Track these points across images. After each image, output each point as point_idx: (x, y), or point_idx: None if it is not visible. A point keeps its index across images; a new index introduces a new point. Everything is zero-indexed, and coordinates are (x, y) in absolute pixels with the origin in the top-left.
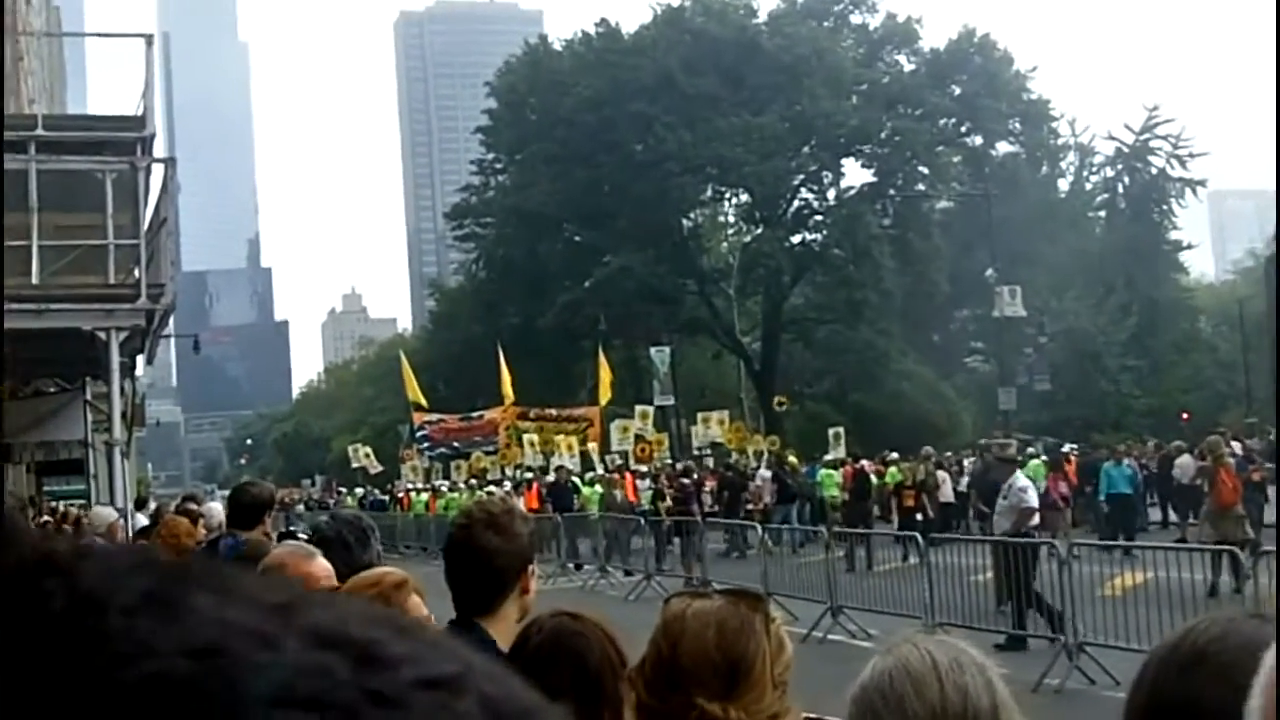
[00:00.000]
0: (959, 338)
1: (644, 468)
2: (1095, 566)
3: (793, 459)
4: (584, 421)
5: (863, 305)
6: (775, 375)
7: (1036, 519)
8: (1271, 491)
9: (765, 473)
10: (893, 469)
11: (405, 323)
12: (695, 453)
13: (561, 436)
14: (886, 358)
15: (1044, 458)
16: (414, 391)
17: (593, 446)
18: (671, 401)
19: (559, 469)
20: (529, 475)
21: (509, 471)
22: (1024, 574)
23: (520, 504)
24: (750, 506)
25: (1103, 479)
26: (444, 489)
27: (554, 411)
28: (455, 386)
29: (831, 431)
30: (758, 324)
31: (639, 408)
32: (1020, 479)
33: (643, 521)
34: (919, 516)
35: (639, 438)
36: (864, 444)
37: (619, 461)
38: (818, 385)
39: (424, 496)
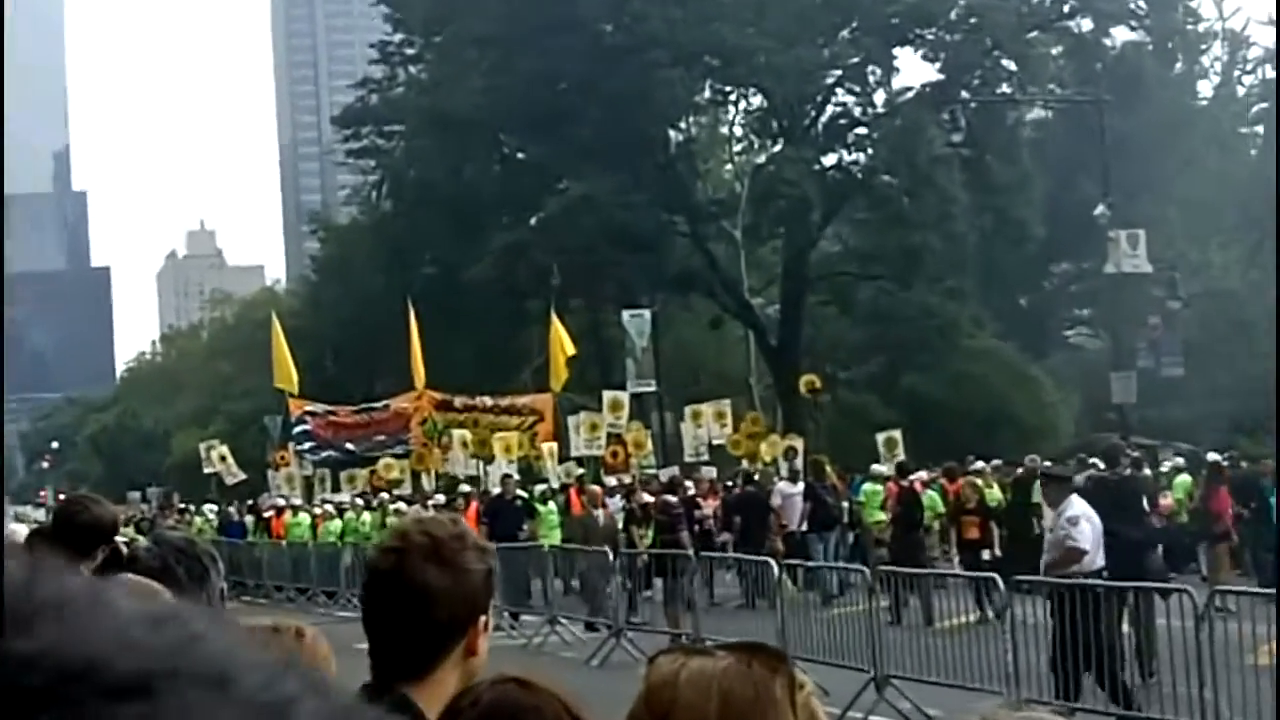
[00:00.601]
0: (1057, 302)
1: (615, 480)
2: (1246, 624)
3: (830, 468)
4: (530, 415)
5: (922, 254)
6: (798, 353)
7: (1099, 562)
8: None
9: (789, 487)
10: (978, 483)
11: (276, 271)
12: (690, 458)
13: (499, 436)
14: (954, 329)
15: (1186, 472)
16: (288, 371)
17: (546, 450)
18: (653, 387)
19: (505, 479)
20: (466, 489)
21: (428, 483)
22: (1104, 631)
23: None
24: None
25: (1275, 504)
26: (332, 508)
27: (488, 400)
28: (349, 363)
29: (882, 437)
30: (774, 280)
31: (608, 395)
32: (1074, 507)
33: (610, 556)
34: (985, 553)
35: (613, 436)
36: (921, 448)
37: (580, 470)
38: (858, 367)
39: (304, 518)
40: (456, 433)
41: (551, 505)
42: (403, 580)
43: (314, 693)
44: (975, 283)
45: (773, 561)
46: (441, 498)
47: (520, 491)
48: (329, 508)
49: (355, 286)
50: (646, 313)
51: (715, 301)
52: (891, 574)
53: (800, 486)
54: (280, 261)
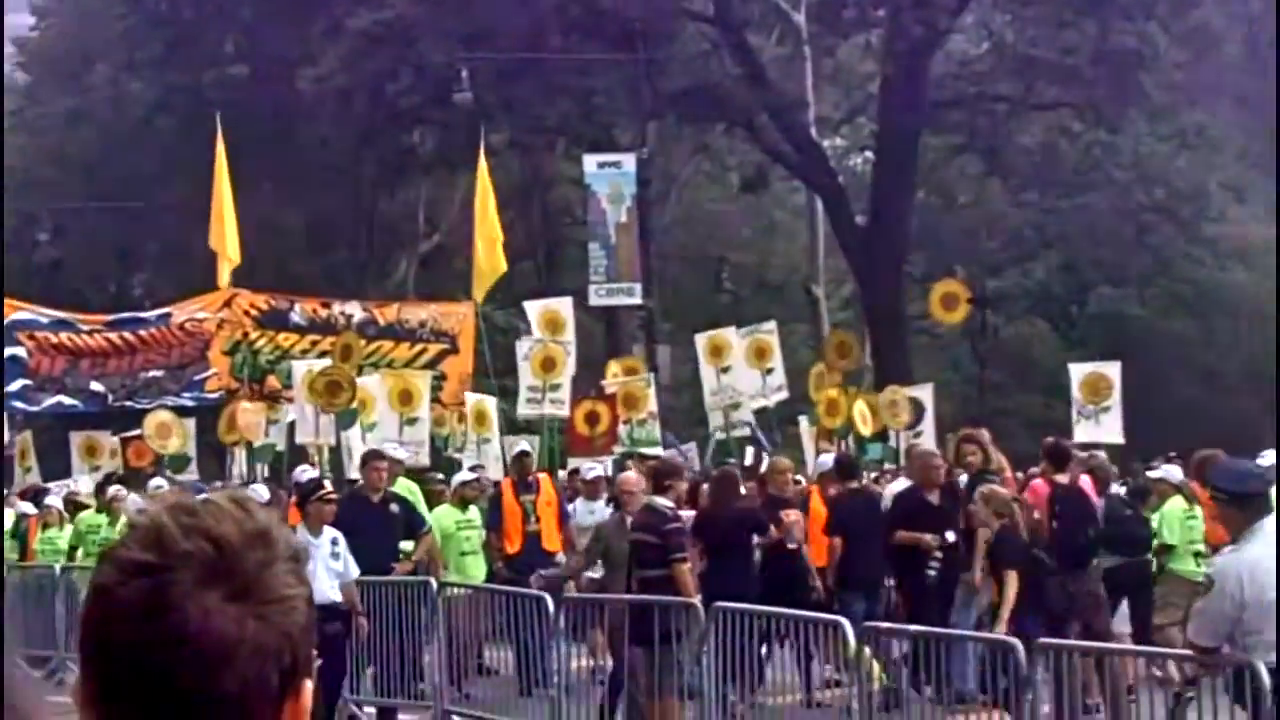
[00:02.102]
0: None
1: (593, 464)
2: None
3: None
4: (434, 341)
5: (1140, 64)
6: (904, 242)
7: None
8: None
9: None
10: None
11: None
12: (722, 430)
13: (386, 377)
14: (1196, 202)
15: None
16: None
17: (474, 406)
18: (636, 297)
19: (368, 460)
20: (305, 472)
21: (243, 462)
22: None
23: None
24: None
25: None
26: (59, 503)
27: (355, 310)
28: (85, 238)
29: (1082, 372)
30: (864, 105)
31: (535, 306)
32: (1241, 552)
33: (549, 603)
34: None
35: (589, 394)
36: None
37: (522, 446)
38: (1015, 271)
39: (5, 519)
40: (299, 368)
41: (473, 511)
42: (164, 623)
43: None
44: (1238, 121)
45: (845, 623)
46: (264, 490)
47: (411, 482)
48: (54, 502)
49: (96, 96)
50: (629, 160)
51: (755, 142)
52: (1062, 650)
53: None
54: None
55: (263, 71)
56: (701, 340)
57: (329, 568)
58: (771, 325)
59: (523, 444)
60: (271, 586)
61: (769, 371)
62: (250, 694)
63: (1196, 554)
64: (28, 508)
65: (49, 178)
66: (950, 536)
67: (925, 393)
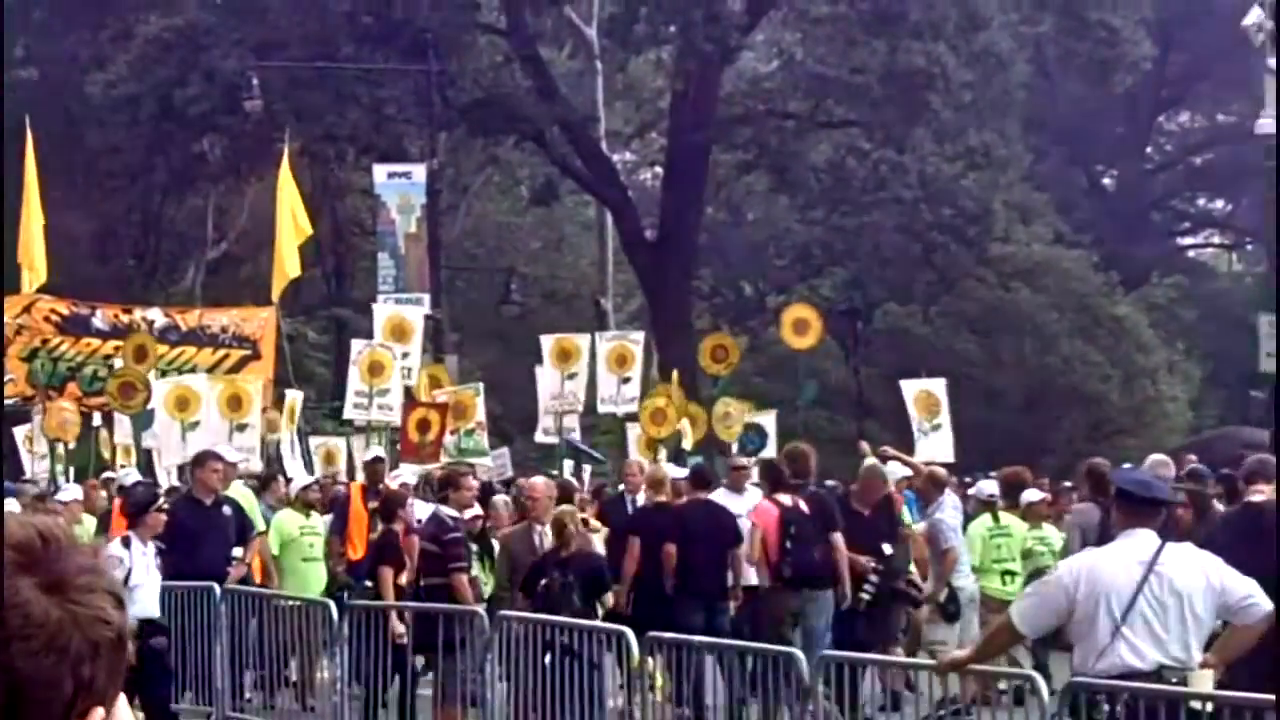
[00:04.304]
0: (1169, 182)
1: (419, 467)
2: None
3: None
4: (236, 346)
5: (929, 84)
6: (692, 257)
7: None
8: None
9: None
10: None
11: None
12: (548, 434)
13: (215, 381)
14: (980, 223)
15: None
16: None
17: (289, 407)
18: (424, 308)
19: (197, 464)
20: (129, 475)
21: (33, 465)
22: None
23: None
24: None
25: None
26: None
27: (157, 315)
28: None
29: (915, 388)
30: (655, 121)
31: (392, 309)
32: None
33: (332, 610)
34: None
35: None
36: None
37: (374, 451)
38: (802, 287)
39: None
40: (86, 363)
41: (316, 517)
42: None
43: None
44: (1024, 142)
45: (629, 633)
46: (76, 490)
47: (245, 487)
48: None
49: None
50: (419, 170)
51: (545, 155)
52: (841, 663)
53: (749, 498)
54: None
55: (52, 76)
56: (548, 342)
57: (152, 578)
58: (639, 336)
59: (376, 450)
60: (90, 599)
61: (626, 380)
62: (39, 683)
63: (1005, 573)
64: None
65: None
66: (888, 549)
67: (769, 420)
